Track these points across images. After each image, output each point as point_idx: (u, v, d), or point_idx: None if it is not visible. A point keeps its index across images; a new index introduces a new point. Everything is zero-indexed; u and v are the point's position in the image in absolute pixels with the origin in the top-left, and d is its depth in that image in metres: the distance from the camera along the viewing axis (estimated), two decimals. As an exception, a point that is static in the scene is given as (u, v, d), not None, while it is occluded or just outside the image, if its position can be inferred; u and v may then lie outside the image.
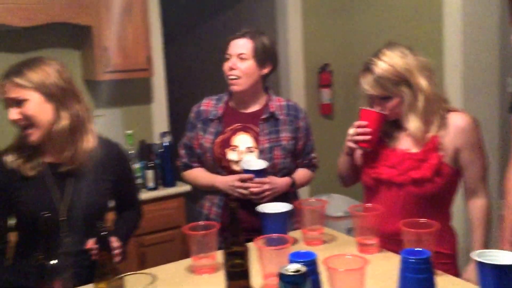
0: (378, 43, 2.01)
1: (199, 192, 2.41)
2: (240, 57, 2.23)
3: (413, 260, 1.36)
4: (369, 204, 1.88)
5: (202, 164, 2.35)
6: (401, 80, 1.86)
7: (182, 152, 2.40)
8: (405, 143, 1.94)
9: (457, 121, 1.89)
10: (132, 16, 3.27)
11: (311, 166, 2.42)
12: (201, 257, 1.73)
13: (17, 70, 1.76)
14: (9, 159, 1.80)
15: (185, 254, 1.95)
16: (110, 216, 2.02)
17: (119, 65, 3.27)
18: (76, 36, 3.36)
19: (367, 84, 1.90)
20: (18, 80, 1.73)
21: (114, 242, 1.79)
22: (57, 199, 1.81)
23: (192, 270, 1.75)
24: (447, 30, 3.42)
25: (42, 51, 3.24)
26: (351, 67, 4.13)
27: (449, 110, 1.92)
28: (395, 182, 1.90)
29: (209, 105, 2.35)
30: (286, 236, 1.64)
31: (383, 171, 1.93)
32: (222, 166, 2.26)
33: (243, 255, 1.57)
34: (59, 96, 1.78)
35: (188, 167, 2.39)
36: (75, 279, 1.51)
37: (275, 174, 2.26)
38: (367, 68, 1.90)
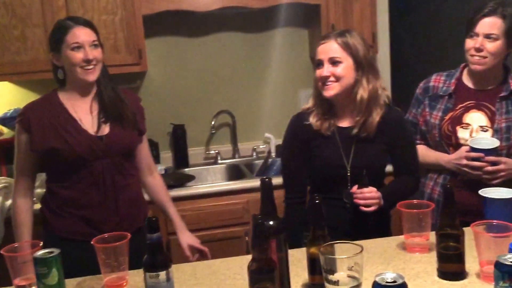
0: None
1: (422, 170, 2.34)
2: (489, 37, 2.08)
3: None
4: None
5: (426, 141, 2.28)
6: None
7: None
8: None
9: None
10: (359, -6, 3.29)
11: None
12: (414, 235, 1.71)
13: (340, 33, 1.99)
14: (312, 119, 2.02)
15: (396, 231, 1.94)
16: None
17: (344, 42, 3.32)
18: (305, 15, 3.50)
19: None
20: (340, 40, 1.94)
21: (367, 192, 1.88)
22: (345, 157, 1.99)
23: (404, 247, 1.74)
24: None
25: (275, 31, 3.47)
26: None
27: None
28: None
29: (439, 81, 2.26)
30: (509, 224, 1.52)
31: None
32: (450, 144, 2.17)
33: (457, 238, 1.51)
34: (364, 67, 1.95)
35: None
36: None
37: (507, 156, 2.10)
38: None
